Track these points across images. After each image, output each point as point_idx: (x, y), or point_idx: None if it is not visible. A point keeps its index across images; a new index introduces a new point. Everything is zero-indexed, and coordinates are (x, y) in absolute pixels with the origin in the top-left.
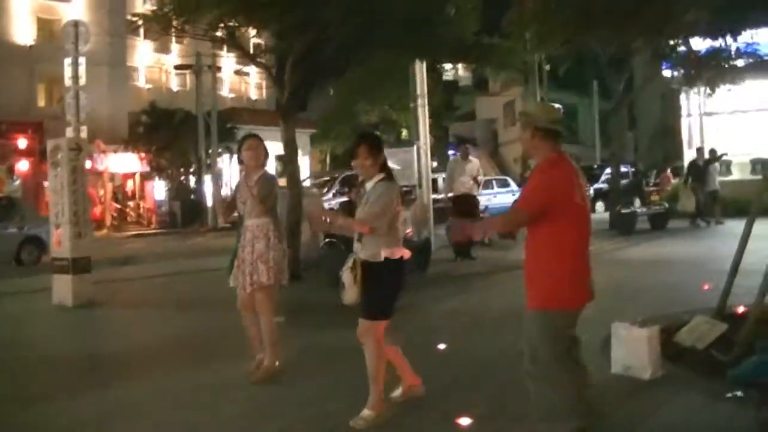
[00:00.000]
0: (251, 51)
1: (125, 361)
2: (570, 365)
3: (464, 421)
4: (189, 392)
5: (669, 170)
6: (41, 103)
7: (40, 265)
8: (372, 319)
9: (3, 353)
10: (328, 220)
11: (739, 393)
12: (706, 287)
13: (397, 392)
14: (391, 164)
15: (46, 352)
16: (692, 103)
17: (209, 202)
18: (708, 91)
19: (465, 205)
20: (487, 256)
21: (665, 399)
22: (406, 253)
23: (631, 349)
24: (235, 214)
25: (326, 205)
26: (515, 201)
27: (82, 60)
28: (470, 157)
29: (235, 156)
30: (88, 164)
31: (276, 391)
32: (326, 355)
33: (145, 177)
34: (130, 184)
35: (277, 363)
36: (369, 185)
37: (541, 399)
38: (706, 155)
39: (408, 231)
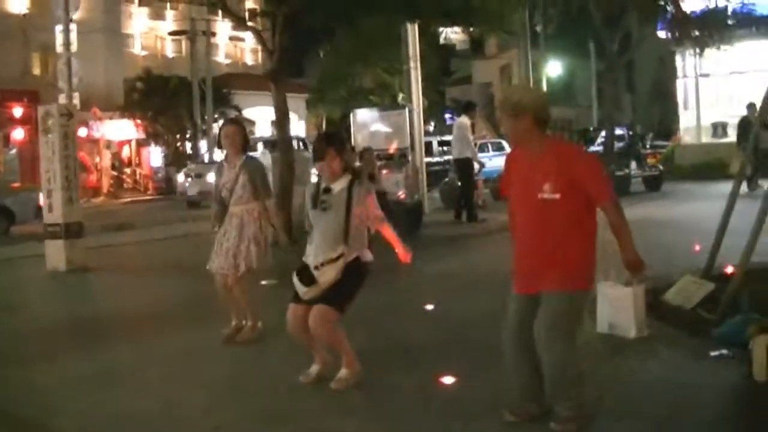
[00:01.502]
0: (245, 15)
1: (115, 324)
2: None
3: (447, 380)
4: (174, 355)
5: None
6: (36, 71)
7: (9, 235)
8: (342, 311)
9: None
10: None
11: (724, 351)
12: (697, 248)
13: (313, 369)
14: (382, 127)
15: (40, 315)
16: (688, 64)
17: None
18: (698, 51)
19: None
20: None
21: (648, 357)
22: (370, 257)
23: (617, 308)
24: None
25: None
26: (599, 192)
27: (73, 26)
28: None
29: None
30: (83, 132)
31: (258, 352)
32: None
33: (141, 143)
34: (126, 151)
35: (259, 324)
36: (338, 187)
37: (570, 385)
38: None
39: (400, 193)
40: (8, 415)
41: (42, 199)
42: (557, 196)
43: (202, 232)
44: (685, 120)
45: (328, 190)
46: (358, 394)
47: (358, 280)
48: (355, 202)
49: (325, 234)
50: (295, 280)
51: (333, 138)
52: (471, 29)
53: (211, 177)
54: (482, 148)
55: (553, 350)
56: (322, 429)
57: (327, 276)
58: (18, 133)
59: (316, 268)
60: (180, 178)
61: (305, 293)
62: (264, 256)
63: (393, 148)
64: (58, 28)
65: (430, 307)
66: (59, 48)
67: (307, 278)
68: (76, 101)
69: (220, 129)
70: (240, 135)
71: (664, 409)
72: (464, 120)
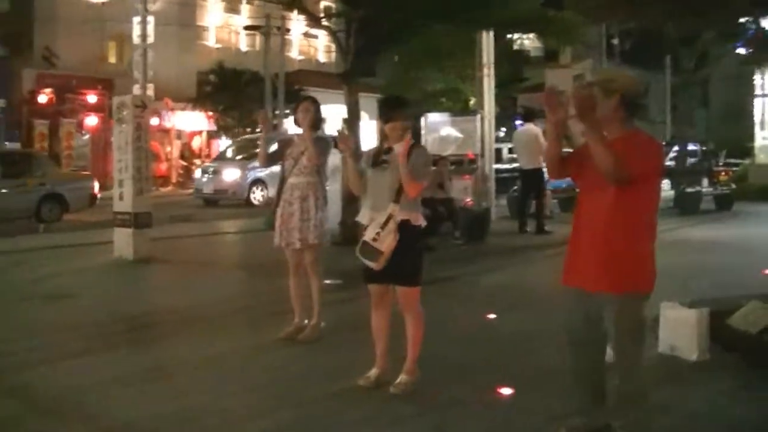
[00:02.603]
0: (320, 14)
1: (172, 319)
2: None
3: (501, 392)
4: (227, 354)
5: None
6: (112, 60)
7: (62, 222)
8: (417, 285)
9: (61, 303)
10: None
11: None
12: (766, 272)
13: (372, 373)
14: (454, 133)
15: (99, 305)
16: (767, 82)
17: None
18: None
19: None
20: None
21: (706, 382)
22: (423, 222)
23: (679, 330)
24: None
25: None
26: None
27: (150, 18)
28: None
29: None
30: (155, 121)
31: (318, 351)
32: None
33: (212, 135)
34: (196, 142)
35: (323, 324)
36: (399, 148)
37: (636, 390)
38: None
39: (468, 200)
40: (55, 409)
41: (95, 188)
42: (634, 176)
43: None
44: (761, 139)
45: (389, 150)
46: (410, 404)
47: (415, 246)
48: (410, 162)
49: (380, 193)
50: (362, 258)
51: (403, 100)
52: (544, 39)
53: (228, 174)
54: None
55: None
56: None
57: (386, 242)
58: (91, 120)
59: (374, 239)
60: (197, 174)
61: (376, 265)
62: (323, 232)
63: (469, 154)
64: (136, 19)
65: (491, 316)
66: (136, 39)
67: (370, 252)
68: (151, 92)
69: (297, 105)
70: (315, 111)
71: None
72: (533, 127)
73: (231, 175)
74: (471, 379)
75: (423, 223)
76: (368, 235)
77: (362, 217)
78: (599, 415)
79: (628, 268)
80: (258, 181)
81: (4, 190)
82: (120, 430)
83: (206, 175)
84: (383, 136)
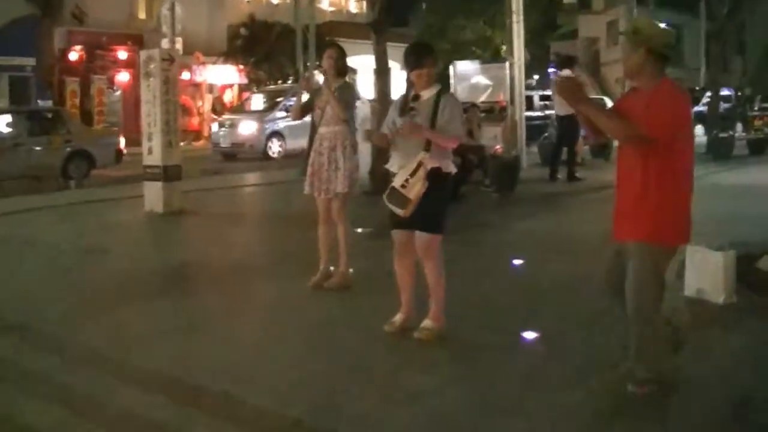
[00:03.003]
0: None
1: (205, 271)
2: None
3: (532, 341)
4: (261, 304)
5: None
6: (142, 16)
7: (92, 178)
8: (439, 232)
9: (95, 258)
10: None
11: None
12: None
13: (397, 318)
14: (484, 80)
15: (134, 259)
16: None
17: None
18: None
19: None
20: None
21: (735, 326)
22: (454, 169)
23: (706, 273)
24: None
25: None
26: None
27: None
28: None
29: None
30: (186, 75)
31: (344, 302)
32: None
33: (243, 89)
34: (228, 96)
35: (351, 270)
36: (426, 95)
37: (646, 343)
38: None
39: (498, 147)
40: (94, 360)
41: (121, 144)
42: (648, 136)
43: (294, 179)
44: None
45: (417, 98)
46: (440, 350)
47: (443, 194)
48: (440, 112)
49: (409, 139)
50: (389, 204)
51: (429, 48)
52: None
53: (244, 127)
54: None
55: (631, 303)
56: (402, 385)
57: (415, 190)
58: (122, 76)
59: (403, 186)
60: (214, 127)
61: (404, 213)
62: (352, 183)
63: (500, 100)
64: None
65: (520, 262)
66: None
67: (398, 199)
68: (179, 46)
69: (324, 52)
70: (341, 58)
71: (743, 383)
72: (570, 73)
73: (247, 128)
74: (504, 327)
75: (453, 170)
76: (397, 182)
77: (392, 164)
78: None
79: (655, 218)
80: (275, 134)
81: (32, 148)
82: (159, 379)
83: (222, 129)
84: (410, 84)
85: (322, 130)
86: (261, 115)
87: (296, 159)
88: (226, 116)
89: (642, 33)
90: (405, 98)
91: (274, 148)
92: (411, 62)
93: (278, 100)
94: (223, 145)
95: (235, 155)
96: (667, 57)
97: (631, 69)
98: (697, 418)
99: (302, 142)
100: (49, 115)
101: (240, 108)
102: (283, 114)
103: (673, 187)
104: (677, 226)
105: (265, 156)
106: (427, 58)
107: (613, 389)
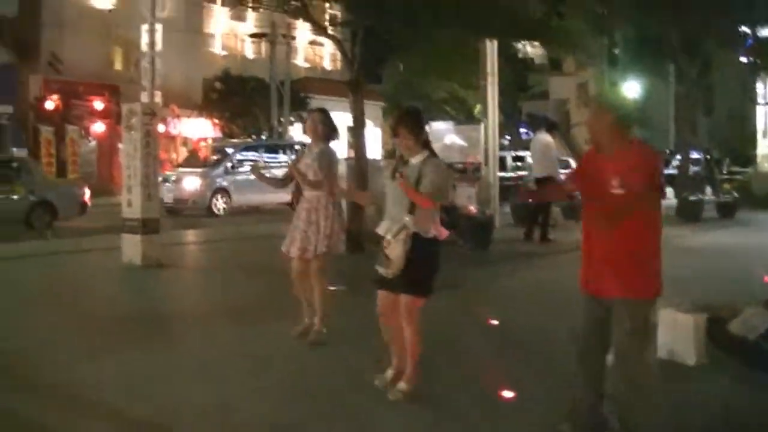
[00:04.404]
0: (326, 22)
1: (184, 320)
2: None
3: (504, 394)
4: (240, 354)
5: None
6: (118, 66)
7: (54, 230)
8: (423, 295)
9: (72, 308)
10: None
11: None
12: (767, 279)
13: (388, 374)
14: (457, 140)
15: (111, 309)
16: None
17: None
18: None
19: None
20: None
21: (704, 386)
22: (445, 233)
23: (677, 335)
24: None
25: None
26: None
27: (158, 26)
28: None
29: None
30: (161, 128)
31: (321, 358)
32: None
33: (218, 143)
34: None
35: (324, 330)
36: (414, 161)
37: (638, 408)
38: None
39: (471, 208)
40: (75, 405)
41: (86, 195)
42: (622, 191)
43: (274, 234)
44: (764, 147)
45: (406, 162)
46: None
47: (430, 258)
48: (422, 177)
49: (396, 204)
50: (376, 265)
51: (410, 114)
52: (548, 47)
53: (189, 182)
54: None
55: (626, 360)
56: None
57: (395, 251)
58: (97, 126)
59: (384, 247)
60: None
61: (386, 272)
62: (335, 243)
63: (473, 159)
64: (144, 27)
65: (494, 322)
66: (144, 47)
67: (381, 259)
68: (158, 99)
69: (308, 115)
70: (323, 124)
71: None
72: (547, 137)
73: (192, 183)
74: (477, 380)
75: (435, 234)
76: (383, 243)
77: (381, 228)
78: (600, 413)
79: (638, 273)
80: (221, 190)
81: None
82: (141, 424)
83: (167, 184)
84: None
85: (306, 193)
86: (207, 171)
87: (244, 216)
88: (169, 172)
89: (609, 100)
90: (397, 162)
91: (219, 204)
92: (391, 128)
93: (227, 153)
94: (165, 201)
95: (180, 211)
96: (632, 121)
97: (599, 133)
98: None
99: (250, 198)
100: (14, 165)
101: (189, 162)
102: (230, 169)
103: (656, 241)
104: (659, 277)
105: (209, 212)
106: (400, 128)
107: None
